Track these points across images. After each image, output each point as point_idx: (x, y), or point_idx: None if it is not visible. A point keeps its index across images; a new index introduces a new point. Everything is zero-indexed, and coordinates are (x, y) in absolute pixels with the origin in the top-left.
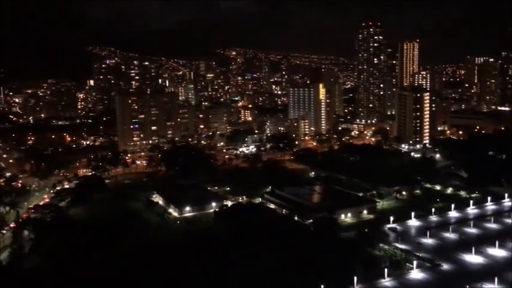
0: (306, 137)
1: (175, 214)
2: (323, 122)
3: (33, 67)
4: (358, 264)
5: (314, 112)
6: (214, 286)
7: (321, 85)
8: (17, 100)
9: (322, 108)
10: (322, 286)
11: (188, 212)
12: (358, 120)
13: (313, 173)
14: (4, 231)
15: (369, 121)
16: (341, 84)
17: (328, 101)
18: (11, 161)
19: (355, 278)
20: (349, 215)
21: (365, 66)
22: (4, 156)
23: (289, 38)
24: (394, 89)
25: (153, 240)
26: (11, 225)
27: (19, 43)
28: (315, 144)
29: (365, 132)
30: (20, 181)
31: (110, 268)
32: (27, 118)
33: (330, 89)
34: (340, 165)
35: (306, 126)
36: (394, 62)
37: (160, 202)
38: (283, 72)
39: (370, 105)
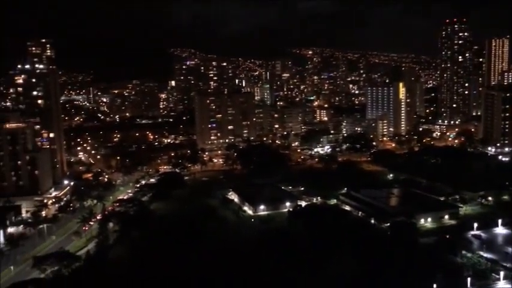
0: (384, 138)
1: (250, 212)
2: (403, 122)
3: (119, 69)
4: (438, 272)
5: (393, 112)
6: (288, 286)
7: (401, 84)
8: (104, 100)
9: (402, 108)
10: None
11: (262, 210)
12: (440, 121)
13: (391, 175)
14: (92, 223)
15: (452, 122)
16: (422, 83)
17: (408, 100)
18: (98, 157)
19: (435, 286)
20: (429, 219)
21: (449, 65)
22: (92, 152)
23: (368, 36)
24: (480, 89)
25: (230, 237)
26: (98, 217)
27: (106, 47)
28: (393, 145)
29: (448, 133)
30: (106, 176)
31: (189, 264)
32: (113, 117)
33: (410, 88)
34: (420, 167)
35: (385, 127)
36: (480, 59)
37: (236, 200)
38: (361, 71)
39: (454, 106)
